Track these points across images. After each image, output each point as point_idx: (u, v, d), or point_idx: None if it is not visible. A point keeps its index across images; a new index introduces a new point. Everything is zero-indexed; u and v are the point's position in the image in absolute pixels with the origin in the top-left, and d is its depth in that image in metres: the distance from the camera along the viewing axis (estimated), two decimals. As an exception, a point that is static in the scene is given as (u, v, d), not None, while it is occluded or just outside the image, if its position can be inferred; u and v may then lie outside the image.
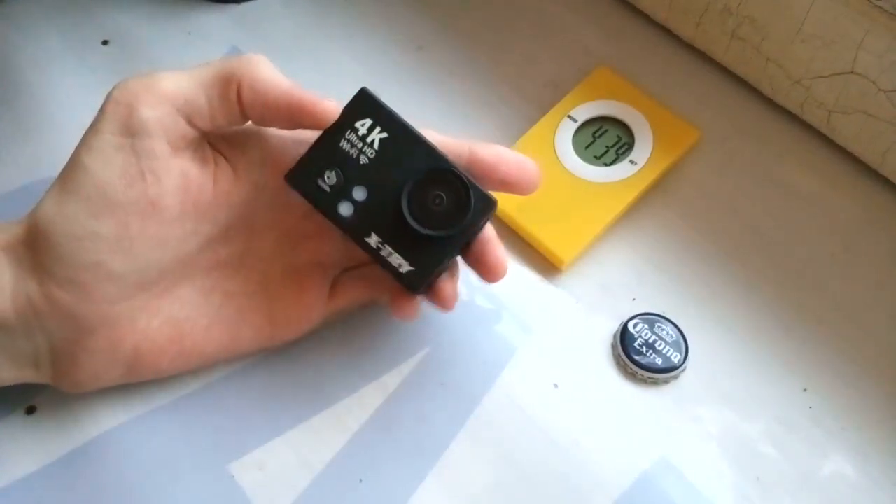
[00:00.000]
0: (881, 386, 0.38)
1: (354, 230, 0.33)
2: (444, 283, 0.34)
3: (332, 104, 0.32)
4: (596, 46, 0.48)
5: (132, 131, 0.30)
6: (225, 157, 0.34)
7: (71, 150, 0.44)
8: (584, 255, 0.41)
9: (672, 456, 0.37)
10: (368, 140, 0.33)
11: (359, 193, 0.33)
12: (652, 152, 0.43)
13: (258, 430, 0.37)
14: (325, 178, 0.32)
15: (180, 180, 0.32)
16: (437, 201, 0.32)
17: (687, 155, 0.44)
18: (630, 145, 0.43)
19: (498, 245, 0.34)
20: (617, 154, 0.43)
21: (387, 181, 0.32)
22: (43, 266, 0.31)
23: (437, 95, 0.47)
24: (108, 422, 0.36)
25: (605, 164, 0.43)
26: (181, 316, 0.34)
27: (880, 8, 0.38)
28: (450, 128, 0.46)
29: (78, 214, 0.31)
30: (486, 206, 0.32)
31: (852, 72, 0.40)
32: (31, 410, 0.37)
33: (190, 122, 0.31)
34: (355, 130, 0.33)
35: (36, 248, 0.31)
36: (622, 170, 0.43)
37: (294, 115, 0.32)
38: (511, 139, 0.44)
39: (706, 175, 0.44)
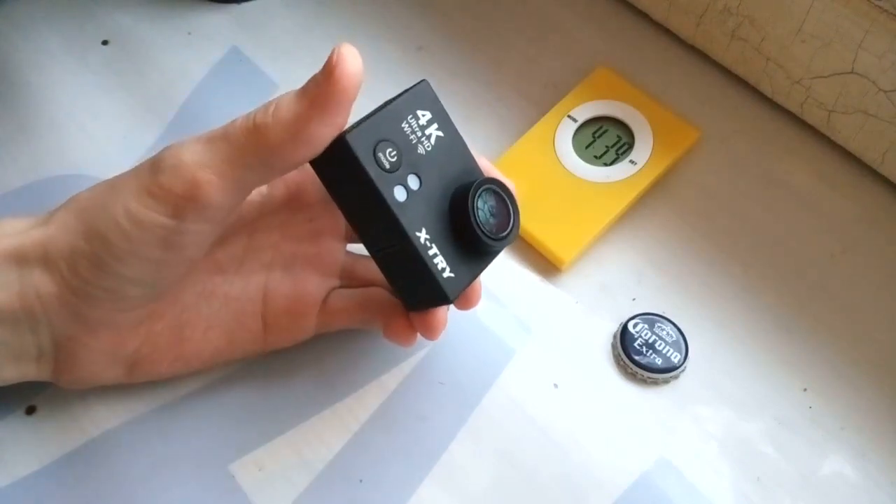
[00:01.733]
0: (881, 386, 0.38)
1: (408, 219, 0.30)
2: (440, 309, 0.33)
3: (350, 64, 0.29)
4: (596, 46, 0.48)
5: (182, 226, 0.30)
6: None
7: (71, 149, 0.44)
8: (584, 255, 0.42)
9: (672, 456, 0.37)
10: (427, 133, 0.31)
11: (413, 182, 0.30)
12: (652, 152, 0.43)
13: (258, 430, 0.37)
14: (388, 153, 0.29)
15: (211, 232, 0.31)
16: (492, 212, 0.31)
17: (687, 155, 0.44)
18: (630, 145, 0.43)
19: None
20: (617, 154, 0.43)
21: (437, 179, 0.31)
22: (58, 271, 0.31)
23: (438, 95, 0.47)
24: (108, 422, 0.36)
25: (605, 164, 0.43)
26: (182, 319, 0.34)
27: (880, 8, 0.38)
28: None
29: (104, 256, 0.30)
30: (518, 229, 0.33)
31: (852, 72, 0.40)
32: (31, 410, 0.37)
33: (236, 194, 0.30)
34: (417, 117, 0.31)
35: (53, 255, 0.31)
36: (622, 170, 0.43)
37: (330, 113, 0.29)
38: (511, 139, 0.44)
39: (706, 175, 0.44)
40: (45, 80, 0.47)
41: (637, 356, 0.38)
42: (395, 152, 0.30)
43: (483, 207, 0.31)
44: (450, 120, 0.32)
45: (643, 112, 0.44)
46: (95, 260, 0.30)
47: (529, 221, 0.41)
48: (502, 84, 0.47)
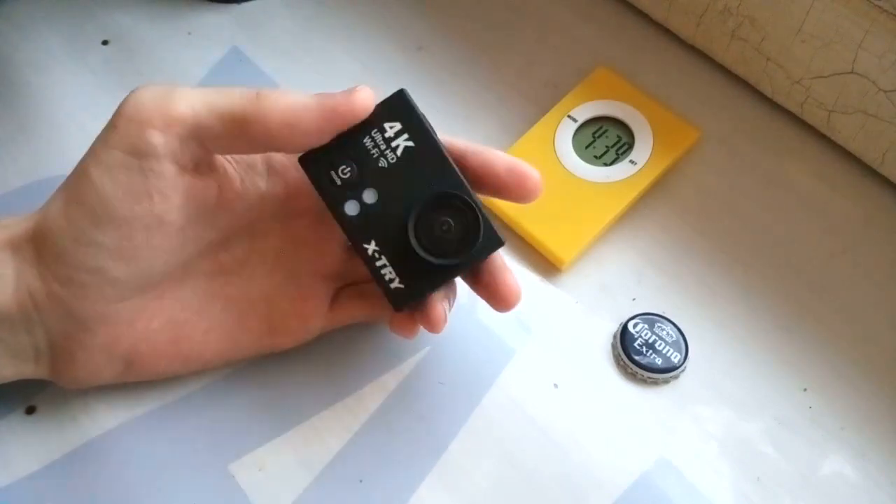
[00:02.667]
0: (881, 386, 0.38)
1: (355, 232, 0.32)
2: (436, 304, 0.33)
3: (366, 96, 0.31)
4: (596, 46, 0.48)
5: (141, 153, 0.30)
6: (231, 165, 0.33)
7: (71, 149, 0.44)
8: (584, 255, 0.41)
9: (672, 456, 0.37)
10: (393, 145, 0.31)
11: (369, 196, 0.31)
12: (652, 152, 0.43)
13: (258, 430, 0.37)
14: (340, 171, 0.31)
15: (187, 195, 0.31)
16: (444, 227, 0.31)
17: (687, 155, 0.44)
18: (630, 145, 0.43)
19: (509, 273, 0.33)
20: (617, 154, 0.43)
21: (400, 191, 0.31)
22: (45, 263, 0.31)
23: (437, 95, 0.47)
24: (108, 422, 0.36)
25: (605, 164, 0.43)
26: (181, 319, 0.34)
27: (880, 8, 0.38)
28: (450, 128, 0.45)
29: (81, 223, 0.30)
30: (492, 245, 0.31)
31: (852, 72, 0.40)
32: (31, 410, 0.37)
33: (202, 146, 0.31)
34: (382, 131, 0.31)
35: (39, 245, 0.31)
36: (622, 170, 0.43)
37: (332, 126, 0.30)
38: (511, 139, 0.44)
39: (706, 175, 0.44)
40: (45, 80, 0.47)
41: (637, 356, 0.38)
42: (348, 169, 0.31)
43: (429, 222, 0.31)
44: (425, 129, 0.31)
45: (643, 112, 0.44)
46: (74, 232, 0.30)
47: (529, 221, 0.41)
48: (502, 84, 0.47)
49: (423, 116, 0.32)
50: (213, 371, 0.37)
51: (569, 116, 0.44)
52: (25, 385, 0.35)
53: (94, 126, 0.45)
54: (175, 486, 0.35)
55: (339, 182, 0.31)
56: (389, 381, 0.38)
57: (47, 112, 0.45)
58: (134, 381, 0.35)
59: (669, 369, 0.38)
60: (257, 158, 0.34)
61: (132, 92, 0.31)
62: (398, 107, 0.31)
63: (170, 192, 0.31)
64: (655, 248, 0.42)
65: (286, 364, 0.38)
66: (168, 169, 0.30)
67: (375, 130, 0.31)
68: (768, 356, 0.39)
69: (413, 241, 0.31)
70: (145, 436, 0.36)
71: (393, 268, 0.32)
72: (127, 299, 0.32)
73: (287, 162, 0.34)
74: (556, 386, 0.38)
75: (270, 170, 0.34)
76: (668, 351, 0.38)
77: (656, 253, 0.42)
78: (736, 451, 0.37)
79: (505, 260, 0.34)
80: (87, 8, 0.50)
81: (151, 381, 0.36)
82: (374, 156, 0.31)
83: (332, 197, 0.32)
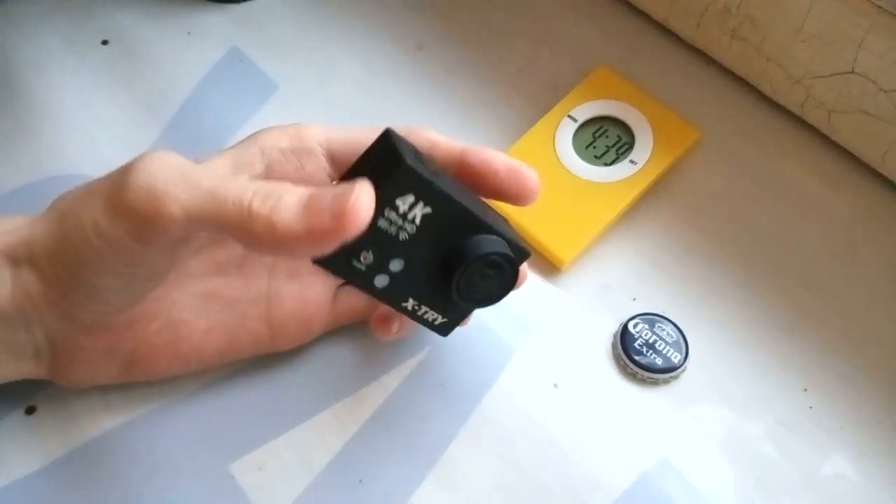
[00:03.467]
0: (881, 386, 0.38)
1: (391, 298, 0.32)
2: None
3: (364, 207, 0.27)
4: (596, 46, 0.48)
5: (144, 242, 0.29)
6: None
7: (71, 149, 0.44)
8: (584, 255, 0.41)
9: (672, 456, 0.36)
10: (410, 217, 0.29)
11: (396, 265, 0.31)
12: (652, 152, 0.43)
13: (258, 430, 0.37)
14: (361, 258, 0.30)
15: (174, 250, 0.31)
16: (485, 279, 0.32)
17: (687, 155, 0.44)
18: (630, 145, 0.43)
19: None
20: (617, 154, 0.43)
21: (426, 252, 0.31)
22: (42, 272, 0.31)
23: (437, 95, 0.47)
24: (108, 422, 0.36)
25: (606, 164, 0.43)
26: (180, 320, 0.34)
27: (880, 8, 0.38)
28: (450, 128, 0.46)
29: (80, 271, 0.30)
30: (522, 259, 0.32)
31: (852, 71, 0.40)
32: (30, 410, 0.37)
33: (190, 232, 0.30)
34: (396, 208, 0.29)
35: (36, 261, 0.31)
36: (622, 170, 0.42)
37: (326, 247, 0.28)
38: (511, 139, 0.44)
39: (706, 175, 0.44)
40: (45, 80, 0.47)
41: (637, 356, 0.38)
42: (370, 253, 0.30)
43: (468, 278, 0.31)
44: (437, 190, 0.29)
45: (643, 112, 0.44)
46: (71, 267, 0.30)
47: (529, 221, 0.41)
48: (502, 84, 0.47)
49: (424, 171, 0.29)
50: (212, 371, 0.37)
51: (569, 116, 0.44)
52: (25, 385, 0.34)
53: (95, 126, 0.45)
54: (175, 486, 0.35)
55: (363, 268, 0.30)
56: (389, 381, 0.38)
57: (47, 112, 0.45)
58: (134, 381, 0.35)
59: (670, 369, 0.38)
60: (256, 167, 0.33)
61: (134, 169, 0.29)
62: (402, 173, 0.28)
63: (167, 256, 0.31)
64: (656, 248, 0.42)
65: (286, 364, 0.38)
66: (168, 248, 0.30)
67: (388, 209, 0.29)
68: (769, 356, 0.39)
69: (460, 302, 0.32)
70: (145, 436, 0.36)
71: (433, 310, 0.33)
72: (125, 308, 0.32)
73: (282, 169, 0.33)
74: (556, 386, 0.38)
75: (269, 172, 0.34)
76: (669, 351, 0.38)
77: (656, 253, 0.42)
78: (736, 452, 0.37)
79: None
80: (86, 8, 0.50)
81: (151, 381, 0.36)
82: (393, 233, 0.30)
83: (360, 281, 0.31)
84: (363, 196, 0.27)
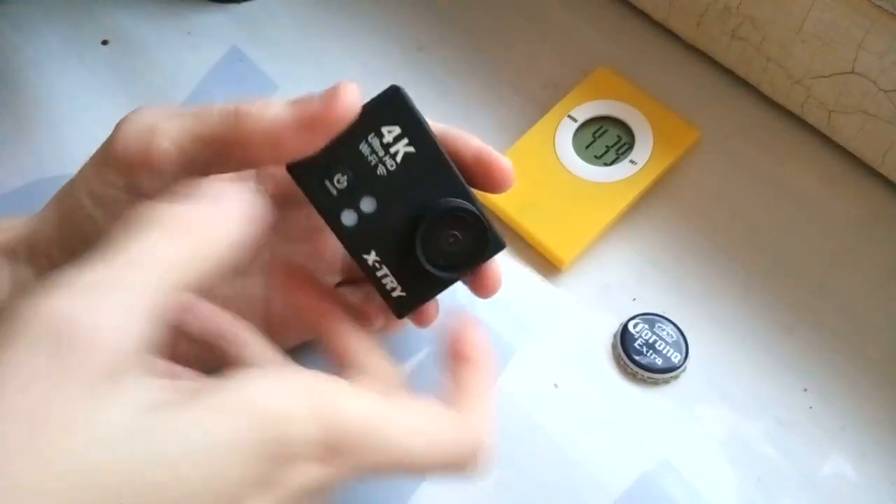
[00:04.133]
0: (881, 386, 0.38)
1: (354, 243, 0.30)
2: (429, 304, 0.33)
3: (348, 99, 0.27)
4: (596, 46, 0.48)
5: (135, 192, 0.29)
6: None
7: (70, 149, 0.44)
8: (584, 254, 0.41)
9: (672, 456, 0.36)
10: (392, 151, 0.29)
11: (367, 205, 0.30)
12: (652, 152, 0.43)
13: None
14: (335, 180, 0.29)
15: None
16: (451, 240, 0.30)
17: (687, 155, 0.44)
18: (630, 145, 0.43)
19: (496, 266, 0.33)
20: (617, 154, 0.43)
21: (400, 200, 0.30)
22: (41, 269, 0.31)
23: (437, 95, 0.47)
24: (107, 422, 0.36)
25: (606, 164, 0.43)
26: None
27: (880, 8, 0.38)
28: (450, 128, 0.46)
29: (77, 245, 0.30)
30: (494, 249, 0.31)
31: (852, 71, 0.40)
32: (30, 410, 0.37)
33: (193, 172, 0.29)
34: (380, 136, 0.29)
35: (37, 252, 0.31)
36: (622, 169, 0.42)
37: (317, 140, 0.28)
38: (511, 139, 0.44)
39: (706, 175, 0.44)
40: (45, 80, 0.47)
41: (637, 356, 0.38)
42: (344, 177, 0.29)
43: (435, 236, 0.30)
44: (425, 131, 0.29)
45: (643, 112, 0.44)
46: (70, 250, 0.30)
47: (529, 221, 0.41)
48: (502, 84, 0.47)
49: (421, 116, 0.30)
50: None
51: (569, 116, 0.44)
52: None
53: (95, 126, 0.45)
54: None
55: (334, 192, 0.29)
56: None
57: (47, 112, 0.45)
58: None
59: (670, 369, 0.38)
60: None
61: (119, 125, 0.30)
62: (396, 108, 0.29)
63: None
64: (656, 248, 0.42)
65: (286, 364, 0.38)
66: None
67: (372, 135, 0.29)
68: (769, 356, 0.39)
69: (421, 257, 0.30)
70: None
71: (394, 277, 0.31)
72: None
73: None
74: (556, 386, 0.38)
75: (259, 172, 0.34)
76: (669, 351, 0.38)
77: (656, 252, 0.42)
78: (736, 452, 0.37)
79: (504, 259, 0.33)
80: (86, 8, 0.50)
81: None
82: (372, 163, 0.29)
83: (328, 208, 0.30)
84: (351, 87, 0.27)
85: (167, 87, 0.47)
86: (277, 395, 0.22)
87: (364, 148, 0.29)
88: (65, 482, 0.18)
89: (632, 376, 0.38)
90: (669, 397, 0.38)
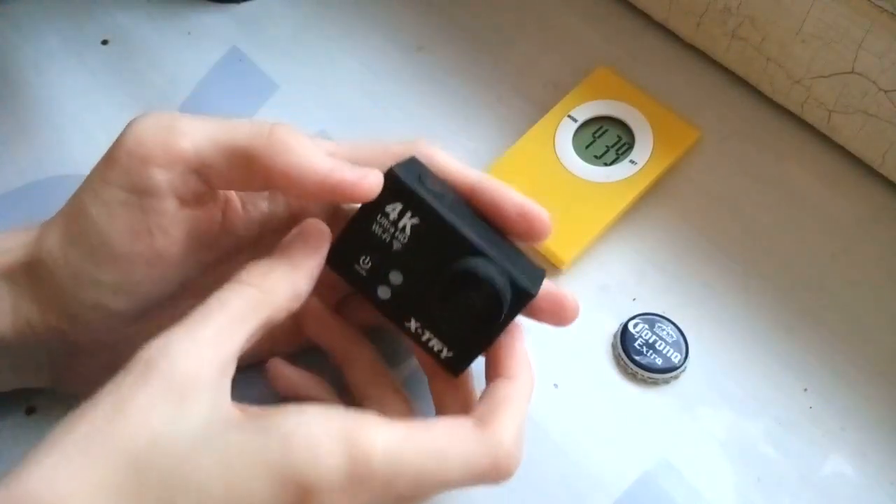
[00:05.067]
0: (881, 386, 0.38)
1: (394, 314, 0.32)
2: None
3: (374, 183, 0.29)
4: (596, 46, 0.48)
5: (142, 190, 0.29)
6: (234, 191, 0.33)
7: (71, 149, 0.44)
8: (584, 254, 0.41)
9: (672, 456, 0.36)
10: (400, 225, 0.31)
11: (395, 278, 0.31)
12: (652, 152, 0.43)
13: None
14: (362, 262, 0.31)
15: (188, 228, 0.31)
16: (468, 301, 0.30)
17: (687, 155, 0.44)
18: (630, 145, 0.43)
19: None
20: (617, 154, 0.43)
21: (422, 267, 0.31)
22: (43, 296, 0.30)
23: (437, 95, 0.47)
24: (108, 422, 0.36)
25: (606, 164, 0.43)
26: None
27: (881, 8, 0.38)
28: (450, 128, 0.46)
29: (80, 261, 0.30)
30: (525, 299, 0.31)
31: (853, 71, 0.40)
32: (30, 411, 0.37)
33: (205, 181, 0.30)
34: (386, 215, 0.30)
35: (36, 279, 0.30)
36: (622, 169, 0.42)
37: (332, 197, 0.29)
38: (511, 139, 0.44)
39: (706, 175, 0.44)
40: (44, 80, 0.47)
41: (637, 356, 0.38)
42: (368, 258, 0.31)
43: (454, 301, 0.30)
44: (425, 203, 0.30)
45: (643, 112, 0.44)
46: (72, 269, 0.29)
47: (529, 221, 0.41)
48: (502, 84, 0.47)
49: (418, 179, 0.31)
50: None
51: (569, 116, 0.44)
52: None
53: (95, 126, 0.45)
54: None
55: (364, 273, 0.31)
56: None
57: (47, 112, 0.45)
58: None
59: (670, 369, 0.38)
60: None
61: (133, 121, 0.30)
62: (392, 187, 0.30)
63: (171, 228, 0.30)
64: (656, 248, 0.42)
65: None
66: (170, 205, 0.29)
67: (380, 215, 0.31)
68: (769, 356, 0.39)
69: (442, 322, 0.31)
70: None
71: (438, 339, 0.32)
72: (127, 327, 0.32)
73: None
74: (556, 386, 0.38)
75: (272, 192, 0.34)
76: (669, 351, 0.38)
77: (656, 253, 0.42)
78: (736, 452, 0.37)
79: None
80: (86, 8, 0.50)
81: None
82: (387, 240, 0.31)
83: (364, 288, 0.32)
84: (377, 175, 0.29)
85: (167, 87, 0.47)
86: (311, 427, 0.25)
87: (376, 228, 0.31)
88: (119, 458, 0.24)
89: (632, 376, 0.38)
90: (669, 397, 0.38)
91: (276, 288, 0.29)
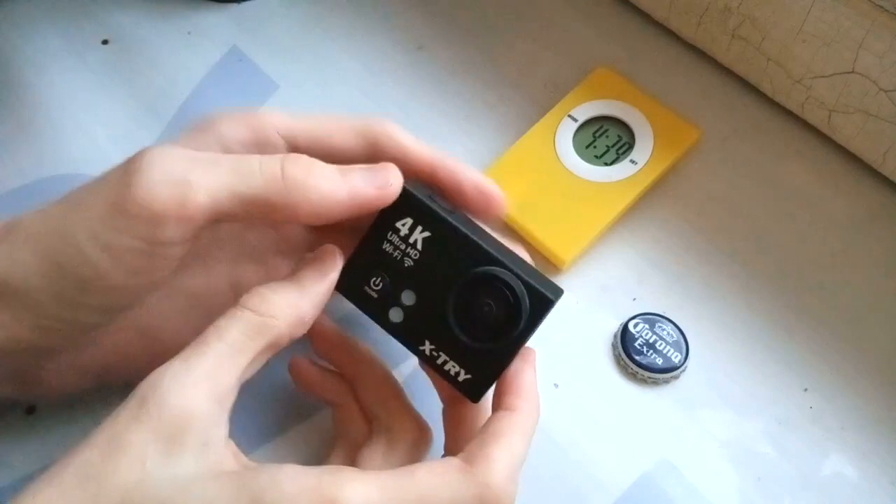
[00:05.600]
0: (881, 386, 0.38)
1: (407, 338, 0.31)
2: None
3: (396, 186, 0.29)
4: (596, 46, 0.48)
5: (152, 241, 0.27)
6: None
7: (70, 149, 0.44)
8: (584, 254, 0.41)
9: (672, 456, 0.36)
10: (411, 241, 0.30)
11: (407, 298, 0.30)
12: (652, 152, 0.43)
13: (257, 430, 0.37)
14: (372, 283, 0.30)
15: (184, 255, 0.29)
16: (485, 308, 0.30)
17: (687, 154, 0.44)
18: (630, 145, 0.43)
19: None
20: (617, 154, 0.43)
21: (434, 283, 0.30)
22: (10, 310, 0.29)
23: (437, 95, 0.47)
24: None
25: (606, 164, 0.43)
26: (149, 325, 0.33)
27: (881, 8, 0.38)
28: (450, 128, 0.46)
29: (66, 287, 0.28)
30: (544, 306, 0.30)
31: (853, 71, 0.40)
32: (31, 410, 0.37)
33: (215, 221, 0.29)
34: (396, 231, 0.30)
35: (5, 294, 0.29)
36: (623, 169, 0.42)
37: (358, 216, 0.29)
38: (511, 139, 0.44)
39: (707, 175, 0.44)
40: (45, 80, 0.47)
41: (637, 356, 0.38)
42: (379, 279, 0.30)
43: (468, 307, 0.30)
44: (435, 213, 0.30)
45: (644, 112, 0.44)
46: (56, 295, 0.28)
47: (530, 221, 0.41)
48: (502, 84, 0.47)
49: (426, 199, 0.30)
50: None
51: (569, 116, 0.44)
52: (25, 385, 0.34)
53: (94, 126, 0.45)
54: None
55: (375, 295, 0.31)
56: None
57: (47, 112, 0.45)
58: (111, 384, 0.33)
59: (670, 369, 0.38)
60: None
61: (141, 168, 0.27)
62: (402, 201, 0.30)
63: (171, 262, 0.29)
64: (656, 248, 0.42)
65: (286, 365, 0.38)
66: (179, 250, 0.29)
67: (390, 233, 0.30)
68: (769, 356, 0.39)
69: (456, 331, 0.30)
70: (145, 436, 0.36)
71: (455, 361, 0.30)
72: (94, 329, 0.31)
73: None
74: (556, 386, 0.38)
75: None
76: (669, 351, 0.38)
77: (657, 252, 0.42)
78: (736, 451, 0.37)
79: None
80: (86, 8, 0.50)
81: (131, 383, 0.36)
82: (398, 258, 0.30)
83: (375, 312, 0.31)
84: (396, 172, 0.29)
85: (167, 86, 0.47)
86: (283, 486, 0.25)
87: (387, 247, 0.30)
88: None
89: (632, 376, 0.38)
90: (670, 397, 0.38)
91: (278, 313, 0.28)
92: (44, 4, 0.50)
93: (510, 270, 0.30)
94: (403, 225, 0.30)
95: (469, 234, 0.30)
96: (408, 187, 0.30)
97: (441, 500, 0.26)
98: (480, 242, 0.30)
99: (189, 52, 0.48)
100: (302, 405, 0.37)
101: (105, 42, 0.49)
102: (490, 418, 0.30)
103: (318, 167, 0.28)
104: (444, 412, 0.33)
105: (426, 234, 0.30)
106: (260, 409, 0.37)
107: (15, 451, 0.36)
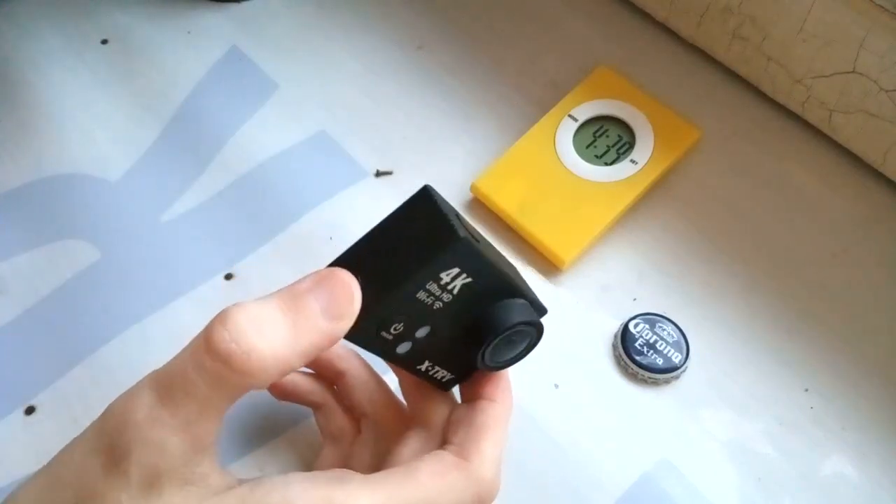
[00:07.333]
0: (882, 386, 0.38)
1: (407, 363, 0.30)
2: None
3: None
4: (596, 46, 0.48)
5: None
6: None
7: (70, 148, 0.44)
8: (584, 254, 0.41)
9: (673, 456, 0.36)
10: (449, 287, 0.27)
11: (421, 332, 0.28)
12: (653, 152, 0.43)
13: (257, 430, 0.36)
14: (392, 329, 0.27)
15: None
16: (509, 345, 0.30)
17: (688, 154, 0.44)
18: (631, 145, 0.43)
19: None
20: (618, 153, 0.43)
21: (456, 320, 0.28)
22: None
23: (437, 95, 0.47)
24: (107, 422, 0.36)
25: (606, 164, 0.43)
26: None
27: (881, 7, 0.38)
28: (450, 128, 0.46)
29: None
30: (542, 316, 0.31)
31: (853, 71, 0.40)
32: (30, 410, 0.37)
33: None
34: (438, 280, 0.26)
35: None
36: (623, 169, 0.42)
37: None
38: (511, 139, 0.44)
39: (707, 174, 0.44)
40: (44, 79, 0.47)
41: (638, 356, 0.38)
42: (401, 324, 0.27)
43: (502, 346, 0.30)
44: (483, 260, 0.27)
45: (644, 111, 0.44)
46: None
47: (530, 221, 0.41)
48: (503, 83, 0.47)
49: (465, 229, 0.27)
50: None
51: (569, 116, 0.44)
52: (25, 385, 0.34)
53: (94, 125, 0.45)
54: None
55: (390, 338, 0.28)
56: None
57: (47, 111, 0.45)
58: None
59: (670, 369, 0.38)
60: None
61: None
62: (455, 252, 0.26)
63: None
64: (656, 248, 0.42)
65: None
66: None
67: (431, 282, 0.26)
68: (769, 356, 0.39)
69: (484, 366, 0.30)
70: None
71: (445, 370, 0.31)
72: None
73: None
74: (556, 386, 0.38)
75: None
76: (669, 351, 0.38)
77: (657, 253, 0.42)
78: (737, 452, 0.37)
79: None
80: (86, 7, 0.50)
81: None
82: (429, 303, 0.27)
83: (384, 351, 0.29)
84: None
85: (167, 86, 0.47)
86: (293, 501, 0.25)
87: (421, 294, 0.27)
88: None
89: (632, 376, 0.38)
90: (670, 397, 0.38)
91: (259, 366, 0.25)
92: (44, 4, 0.50)
93: (532, 303, 0.30)
94: (448, 274, 0.26)
95: (507, 273, 0.29)
96: (462, 235, 0.25)
97: (445, 500, 0.27)
98: (513, 280, 0.29)
99: (189, 52, 0.48)
100: (300, 407, 0.37)
101: (105, 42, 0.49)
102: (474, 408, 0.30)
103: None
104: (402, 383, 0.33)
105: (468, 280, 0.27)
106: (258, 410, 0.37)
107: (15, 451, 0.36)
